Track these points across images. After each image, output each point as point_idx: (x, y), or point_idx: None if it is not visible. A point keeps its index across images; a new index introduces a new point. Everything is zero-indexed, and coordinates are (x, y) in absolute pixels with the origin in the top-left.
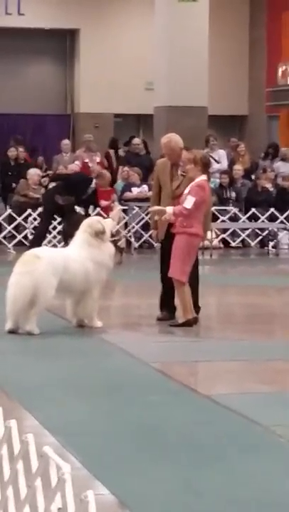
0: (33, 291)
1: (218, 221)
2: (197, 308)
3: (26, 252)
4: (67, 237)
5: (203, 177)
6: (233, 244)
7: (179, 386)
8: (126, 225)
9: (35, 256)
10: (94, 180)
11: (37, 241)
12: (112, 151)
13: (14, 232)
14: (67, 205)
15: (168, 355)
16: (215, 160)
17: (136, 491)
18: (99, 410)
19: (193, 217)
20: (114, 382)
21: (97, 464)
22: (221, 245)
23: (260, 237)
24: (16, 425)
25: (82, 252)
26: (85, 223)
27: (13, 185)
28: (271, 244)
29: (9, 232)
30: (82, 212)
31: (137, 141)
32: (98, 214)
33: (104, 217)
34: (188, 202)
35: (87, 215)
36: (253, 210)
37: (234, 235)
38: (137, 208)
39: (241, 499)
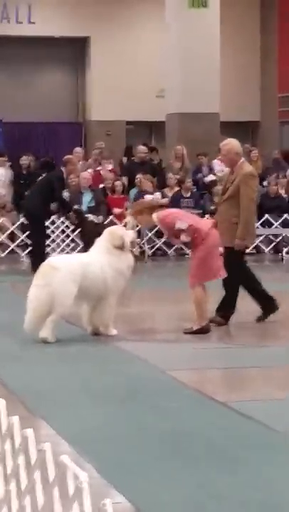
0: (51, 303)
1: None
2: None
3: (44, 263)
4: (86, 245)
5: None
6: (246, 250)
7: (195, 393)
8: (139, 232)
9: (52, 267)
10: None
11: (39, 251)
12: (125, 159)
13: (27, 241)
14: (77, 214)
15: (184, 362)
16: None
17: (153, 498)
18: (114, 417)
19: None
20: (129, 389)
21: (113, 472)
22: None
23: (273, 244)
24: (33, 434)
25: (102, 259)
26: (107, 232)
27: (26, 193)
28: (285, 250)
29: (22, 240)
30: (95, 220)
31: (142, 149)
32: (111, 221)
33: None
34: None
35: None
36: (267, 216)
37: None
38: None
39: (260, 504)
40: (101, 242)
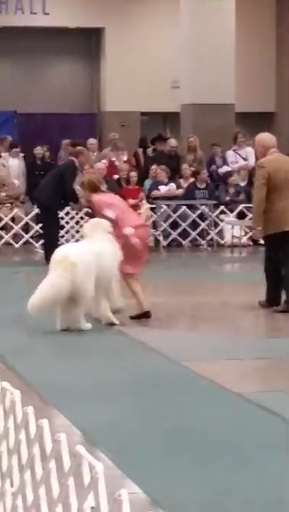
0: (67, 297)
1: (247, 218)
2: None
3: (58, 251)
4: None
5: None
6: (262, 241)
7: (210, 384)
8: (154, 223)
9: (72, 264)
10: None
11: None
12: (140, 150)
13: (42, 232)
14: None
15: (199, 353)
16: (243, 158)
17: (168, 489)
18: (129, 409)
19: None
20: (144, 380)
21: (128, 463)
22: (250, 243)
23: None
24: (48, 424)
25: (109, 247)
26: (99, 221)
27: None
28: None
29: (36, 231)
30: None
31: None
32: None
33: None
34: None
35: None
36: None
37: None
38: (165, 206)
39: (274, 499)
40: (98, 232)
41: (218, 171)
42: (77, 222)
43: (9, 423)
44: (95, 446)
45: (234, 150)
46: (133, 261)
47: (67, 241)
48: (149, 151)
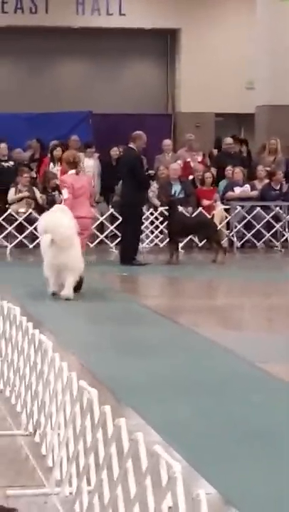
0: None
1: None
2: None
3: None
4: (171, 236)
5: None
6: None
7: (283, 385)
8: (228, 224)
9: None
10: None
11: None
12: (215, 151)
13: (116, 231)
14: (169, 204)
15: (273, 354)
16: None
17: (243, 489)
18: (202, 408)
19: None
20: (218, 381)
21: (202, 463)
22: None
23: None
24: (125, 424)
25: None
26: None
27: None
28: None
29: (111, 231)
30: (184, 211)
31: (228, 140)
32: (200, 213)
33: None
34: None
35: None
36: None
37: None
38: (239, 208)
39: None
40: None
41: None
42: (152, 223)
43: (86, 422)
44: (169, 445)
45: None
46: None
47: (142, 241)
48: (215, 152)
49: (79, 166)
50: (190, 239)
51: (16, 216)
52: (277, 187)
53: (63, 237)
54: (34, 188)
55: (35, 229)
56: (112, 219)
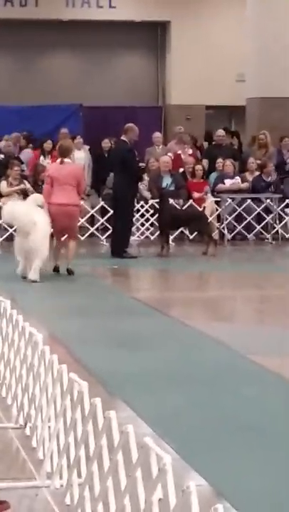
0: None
1: None
2: None
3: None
4: (161, 228)
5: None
6: None
7: (276, 378)
8: (219, 216)
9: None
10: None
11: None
12: (206, 144)
13: (107, 224)
14: (160, 196)
15: (265, 347)
16: None
17: (233, 481)
18: (194, 401)
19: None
20: (210, 373)
21: (192, 455)
22: None
23: None
24: (116, 416)
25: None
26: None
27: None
28: None
29: (102, 224)
30: (175, 204)
31: (220, 132)
32: (191, 206)
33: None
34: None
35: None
36: None
37: None
38: (229, 200)
39: None
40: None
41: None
42: (142, 215)
43: (76, 414)
44: (160, 437)
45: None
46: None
47: (133, 234)
48: (205, 145)
49: (68, 156)
50: (181, 231)
51: None
52: (268, 179)
53: (23, 223)
54: (25, 181)
55: None
56: (103, 211)
